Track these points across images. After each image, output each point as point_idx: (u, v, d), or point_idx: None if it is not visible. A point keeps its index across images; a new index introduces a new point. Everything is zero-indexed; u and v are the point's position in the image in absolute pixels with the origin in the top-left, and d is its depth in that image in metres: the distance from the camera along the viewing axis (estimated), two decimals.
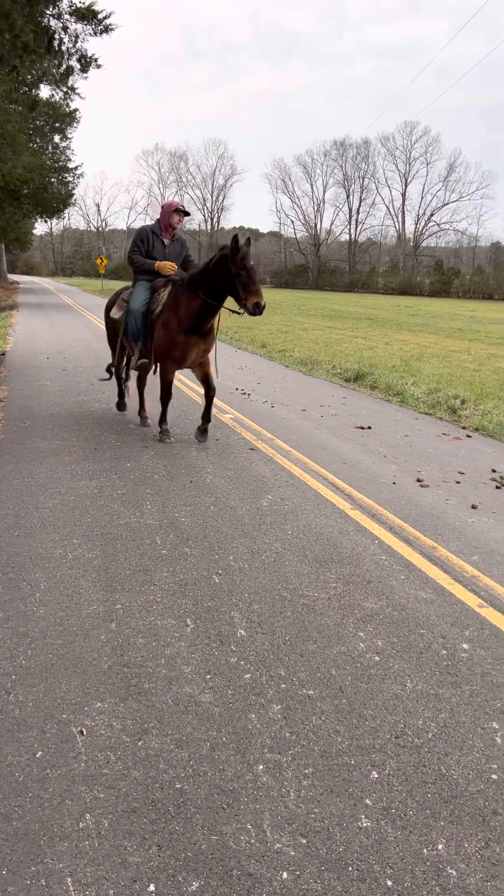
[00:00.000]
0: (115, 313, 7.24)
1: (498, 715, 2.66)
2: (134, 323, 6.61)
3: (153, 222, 6.80)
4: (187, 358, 6.47)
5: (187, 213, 6.90)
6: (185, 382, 9.97)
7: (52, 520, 4.47)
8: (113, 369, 7.79)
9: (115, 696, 2.70)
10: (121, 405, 8.01)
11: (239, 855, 1.99)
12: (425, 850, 2.01)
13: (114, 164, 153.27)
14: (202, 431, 6.71)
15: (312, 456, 6.29)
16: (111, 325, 7.57)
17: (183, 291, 6.33)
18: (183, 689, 2.75)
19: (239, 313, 6.10)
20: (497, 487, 5.53)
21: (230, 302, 6.13)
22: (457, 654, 3.07)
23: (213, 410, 8.22)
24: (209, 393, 6.60)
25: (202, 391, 6.74)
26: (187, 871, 1.93)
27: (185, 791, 2.22)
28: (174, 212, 6.64)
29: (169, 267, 6.50)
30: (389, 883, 1.90)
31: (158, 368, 6.73)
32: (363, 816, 2.13)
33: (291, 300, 43.86)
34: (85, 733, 2.48)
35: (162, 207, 6.80)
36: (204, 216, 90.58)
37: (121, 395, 8.01)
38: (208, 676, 2.84)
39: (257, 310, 5.77)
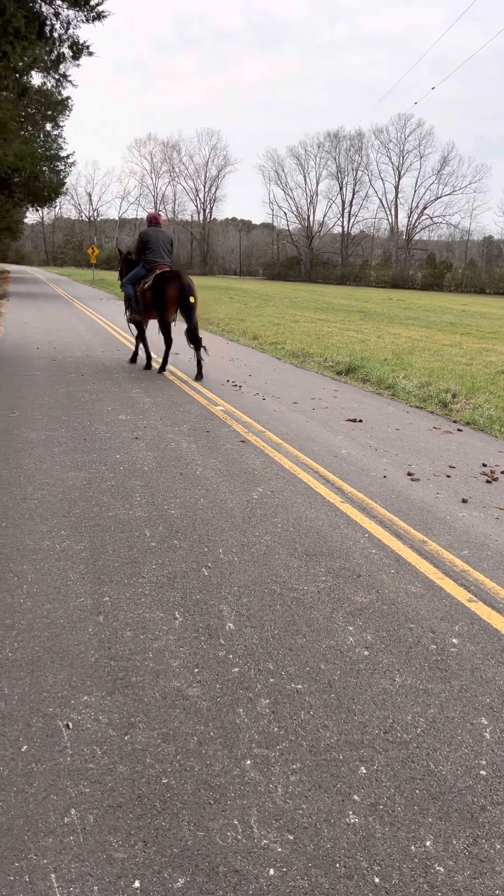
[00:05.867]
0: None
1: (487, 710, 2.65)
2: None
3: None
4: None
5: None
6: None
7: (40, 511, 4.43)
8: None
9: (101, 689, 2.67)
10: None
11: (225, 851, 1.97)
12: (413, 847, 2.00)
13: (105, 154, 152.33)
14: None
15: (303, 448, 6.27)
16: None
17: None
18: (170, 683, 2.73)
19: None
20: (487, 482, 5.52)
21: None
22: (446, 649, 3.06)
23: (204, 402, 8.20)
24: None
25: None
26: (173, 867, 1.91)
27: (172, 786, 2.20)
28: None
29: None
30: (377, 880, 1.89)
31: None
32: (351, 812, 2.12)
33: (283, 292, 43.74)
34: (71, 727, 2.45)
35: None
36: (196, 207, 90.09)
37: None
38: (196, 670, 2.82)
39: None
